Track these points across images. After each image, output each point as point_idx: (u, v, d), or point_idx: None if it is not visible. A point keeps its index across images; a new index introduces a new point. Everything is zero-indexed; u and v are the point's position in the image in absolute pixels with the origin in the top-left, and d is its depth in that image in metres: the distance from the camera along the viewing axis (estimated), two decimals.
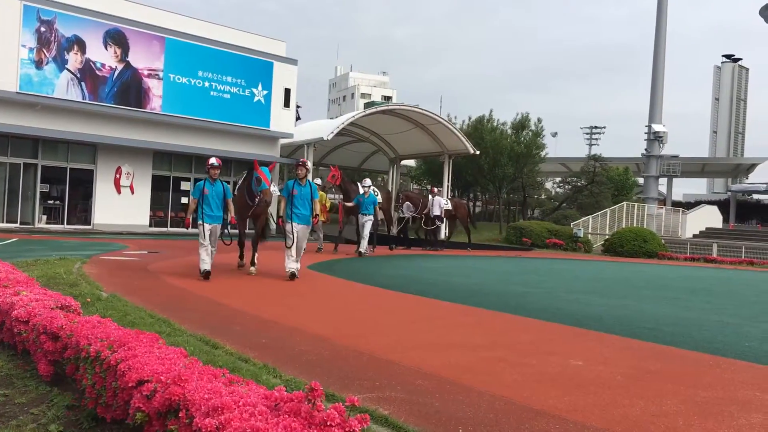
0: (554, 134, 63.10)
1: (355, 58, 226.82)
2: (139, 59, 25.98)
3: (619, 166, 47.66)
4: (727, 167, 60.54)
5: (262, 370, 5.07)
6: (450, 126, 31.51)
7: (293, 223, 12.09)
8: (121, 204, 26.32)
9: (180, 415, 3.22)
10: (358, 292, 11.25)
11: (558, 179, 53.53)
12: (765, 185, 49.05)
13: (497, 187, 41.36)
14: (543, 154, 41.41)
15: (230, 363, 5.09)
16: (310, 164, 12.26)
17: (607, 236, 31.38)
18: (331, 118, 45.81)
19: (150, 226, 27.14)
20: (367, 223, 19.48)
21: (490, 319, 8.80)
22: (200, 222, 11.41)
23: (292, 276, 11.89)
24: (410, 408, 4.41)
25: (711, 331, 8.53)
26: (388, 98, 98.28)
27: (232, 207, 11.69)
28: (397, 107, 30.76)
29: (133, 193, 26.65)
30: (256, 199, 12.40)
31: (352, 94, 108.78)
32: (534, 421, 4.29)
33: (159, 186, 27.64)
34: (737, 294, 14.29)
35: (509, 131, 40.10)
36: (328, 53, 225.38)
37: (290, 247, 12.00)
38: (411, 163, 45.68)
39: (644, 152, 47.68)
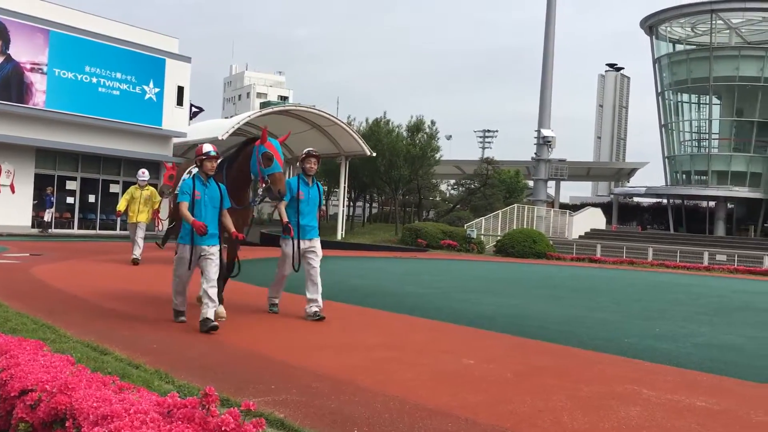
0: (449, 137, 64.57)
1: (252, 56, 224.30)
2: (21, 52, 24.74)
3: (511, 168, 49.12)
4: (611, 171, 63.51)
5: (154, 376, 4.95)
6: (347, 128, 31.63)
7: (300, 241, 8.41)
8: (0, 204, 24.97)
9: (67, 424, 3.11)
10: (251, 295, 11.13)
11: (452, 181, 54.64)
12: (644, 188, 51.77)
13: (393, 189, 41.82)
14: (438, 156, 42.16)
15: (120, 369, 4.94)
16: None
17: (498, 237, 32.30)
18: (227, 118, 45.06)
19: (32, 227, 25.87)
20: None
21: (386, 319, 8.92)
22: (184, 245, 7.43)
23: (318, 315, 8.28)
24: (306, 410, 4.42)
25: (594, 329, 8.95)
26: (284, 98, 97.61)
27: (230, 220, 7.61)
28: (294, 108, 30.63)
29: (13, 192, 25.32)
30: (259, 192, 8.07)
31: (248, 94, 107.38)
32: (428, 420, 4.39)
33: (43, 185, 26.39)
34: (619, 292, 15.03)
35: (405, 134, 40.62)
36: (223, 51, 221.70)
37: (283, 275, 8.71)
38: None
39: (534, 156, 49.39)
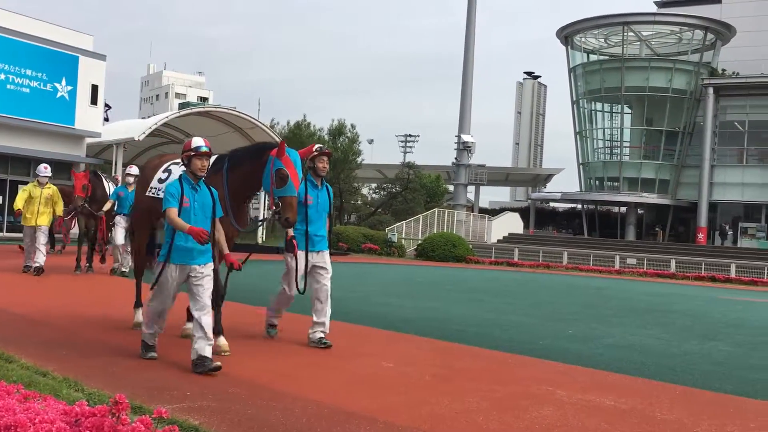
0: (370, 141, 64.82)
1: (170, 56, 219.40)
2: None
3: (432, 173, 49.71)
4: (528, 177, 65.10)
5: (62, 383, 4.77)
6: (268, 130, 31.37)
7: (309, 253, 7.11)
8: None
9: None
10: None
11: (374, 185, 54.88)
12: (560, 194, 53.22)
13: None
14: (359, 160, 42.34)
15: (26, 378, 4.75)
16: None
17: (419, 241, 32.60)
18: (144, 118, 44.00)
19: None
20: (120, 229, 13.55)
21: (306, 324, 8.86)
22: (168, 264, 5.86)
23: (324, 342, 7.13)
24: (222, 416, 4.35)
25: (510, 331, 9.14)
26: (204, 99, 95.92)
27: (224, 236, 6.24)
28: (214, 109, 30.19)
29: None
30: (263, 216, 7.49)
31: (166, 94, 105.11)
32: (346, 423, 4.39)
33: None
34: (534, 295, 15.41)
35: (326, 137, 40.61)
36: (140, 49, 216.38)
37: (290, 296, 7.34)
38: None
39: (454, 161, 50.10)
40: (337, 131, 41.16)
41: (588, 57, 47.59)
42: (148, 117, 42.79)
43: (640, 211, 48.57)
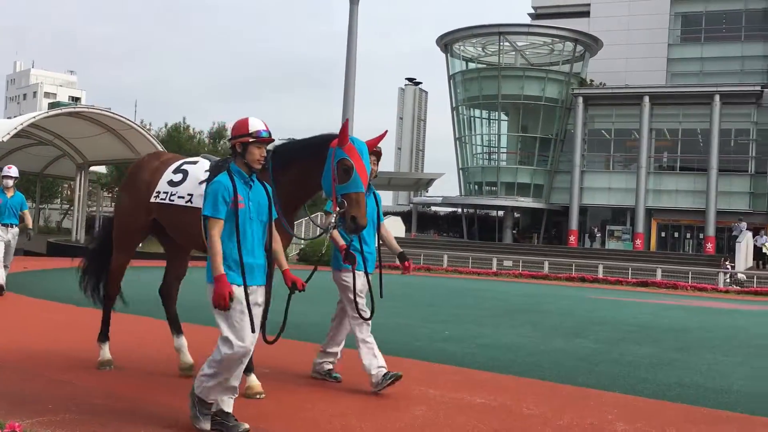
0: None
1: (39, 53, 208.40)
2: None
3: None
4: (410, 181, 66.18)
5: None
6: (144, 132, 30.35)
7: (366, 272, 6.00)
8: None
9: None
10: (32, 307, 10.36)
11: None
12: (441, 198, 54.45)
13: None
14: None
15: None
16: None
17: (302, 245, 32.45)
18: (9, 118, 41.60)
19: None
20: (10, 243, 11.47)
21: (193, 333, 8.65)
22: (235, 285, 4.33)
23: (334, 375, 6.16)
24: (84, 428, 4.21)
25: (388, 333, 9.26)
26: (76, 99, 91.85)
27: (281, 248, 4.90)
28: (86, 110, 28.95)
29: None
30: (331, 220, 5.35)
31: (35, 93, 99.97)
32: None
33: None
34: (413, 298, 15.67)
35: (207, 140, 39.82)
36: (5, 46, 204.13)
37: (365, 320, 5.93)
38: (102, 169, 43.23)
39: None
40: (218, 134, 40.42)
41: (467, 65, 48.95)
42: (14, 117, 40.48)
43: (516, 215, 50.38)
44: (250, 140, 4.46)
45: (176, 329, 6.28)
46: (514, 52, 47.42)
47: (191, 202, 5.50)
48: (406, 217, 54.08)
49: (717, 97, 39.87)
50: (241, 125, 4.52)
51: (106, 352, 6.16)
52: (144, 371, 6.18)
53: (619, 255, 37.07)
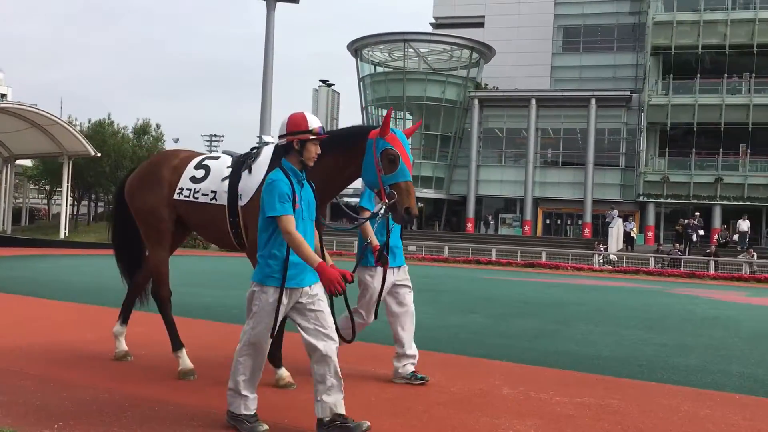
0: (176, 140, 62.13)
1: None
2: None
3: None
4: None
5: None
6: (69, 127, 29.13)
7: (391, 269, 5.31)
8: None
9: None
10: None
11: None
12: (352, 190, 54.57)
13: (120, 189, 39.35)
14: None
15: None
16: None
17: None
18: None
19: None
20: None
21: (103, 315, 8.38)
22: (285, 288, 3.82)
23: (418, 376, 5.37)
24: (8, 409, 4.02)
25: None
26: (2, 95, 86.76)
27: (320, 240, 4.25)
28: (11, 106, 27.50)
29: None
30: (380, 212, 4.55)
31: None
32: (135, 408, 4.23)
33: None
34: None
35: (131, 135, 38.46)
36: None
37: (366, 323, 5.53)
38: (28, 162, 41.23)
39: None
40: (142, 130, 39.11)
41: (375, 69, 49.05)
42: None
43: (420, 205, 50.97)
44: (310, 137, 3.94)
45: (123, 317, 5.82)
46: (417, 58, 47.85)
47: (216, 200, 5.06)
48: None
49: (593, 101, 41.43)
50: (300, 121, 3.98)
51: (185, 360, 5.24)
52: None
53: (509, 240, 38.12)
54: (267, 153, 4.96)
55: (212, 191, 5.10)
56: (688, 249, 29.83)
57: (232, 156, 5.30)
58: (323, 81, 62.01)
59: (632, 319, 10.50)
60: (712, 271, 26.16)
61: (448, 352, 6.79)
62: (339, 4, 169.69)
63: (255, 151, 5.11)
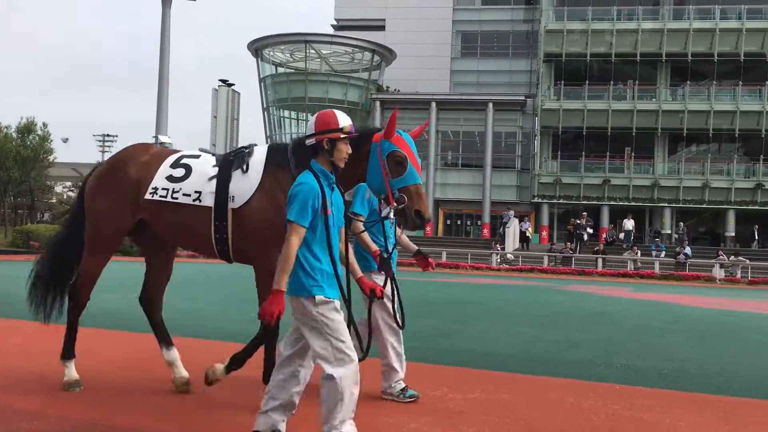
0: (65, 140, 59.12)
1: None
2: None
3: None
4: None
5: None
6: None
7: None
8: None
9: None
10: None
11: (69, 183, 50.39)
12: None
13: (2, 191, 37.14)
14: (52, 158, 38.59)
15: None
16: None
17: None
18: None
19: None
20: None
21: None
22: (329, 299, 3.59)
23: (412, 393, 5.03)
24: None
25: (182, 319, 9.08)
26: None
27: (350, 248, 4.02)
28: None
29: None
30: (390, 215, 4.33)
31: None
32: (23, 421, 4.06)
33: None
34: (216, 284, 15.42)
35: (15, 135, 36.38)
36: None
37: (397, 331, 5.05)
38: None
39: None
40: (27, 129, 37.06)
41: (276, 69, 48.61)
42: None
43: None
44: (342, 136, 3.70)
45: (165, 340, 5.10)
46: (319, 59, 47.80)
47: (200, 201, 4.61)
48: None
49: (491, 105, 42.76)
50: (330, 119, 3.72)
51: (72, 371, 4.94)
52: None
53: (411, 240, 38.40)
54: (261, 152, 4.68)
55: (196, 191, 4.65)
56: (579, 248, 31.31)
57: (213, 155, 4.93)
58: (223, 81, 60.97)
59: (526, 317, 10.95)
60: (600, 268, 27.60)
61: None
62: (239, 3, 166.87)
63: (246, 149, 4.74)
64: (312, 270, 3.56)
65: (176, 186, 4.71)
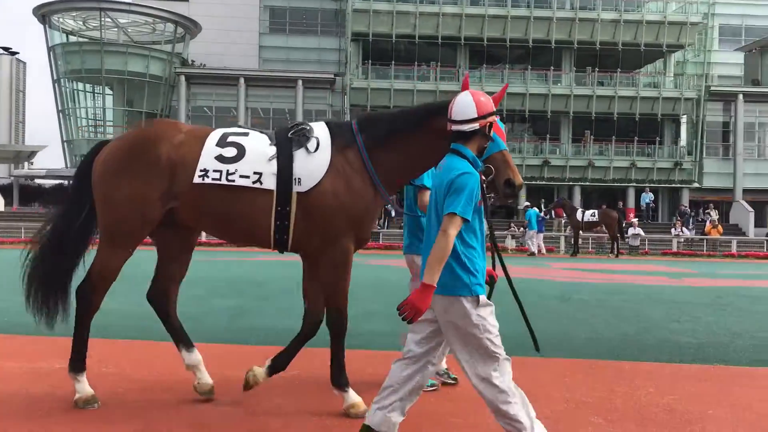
0: None
1: None
2: None
3: None
4: (10, 154, 58.82)
5: None
6: None
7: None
8: None
9: None
10: None
11: None
12: (45, 170, 49.66)
13: None
14: None
15: None
16: None
17: None
18: None
19: None
20: None
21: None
22: (490, 302, 3.34)
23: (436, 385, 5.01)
24: None
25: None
26: None
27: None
28: None
29: None
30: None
31: None
32: None
33: None
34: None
35: None
36: None
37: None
38: None
39: None
40: None
41: (67, 38, 44.93)
42: None
43: None
44: (493, 120, 3.42)
45: (184, 342, 4.54)
46: (116, 29, 44.87)
47: (260, 183, 4.05)
48: (6, 190, 48.14)
49: (300, 82, 42.84)
50: (489, 101, 3.38)
51: (85, 385, 4.26)
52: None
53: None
54: (323, 130, 4.23)
55: (255, 173, 4.07)
56: (387, 224, 32.53)
57: (263, 132, 4.34)
58: (5, 48, 55.47)
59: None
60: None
61: (133, 338, 6.62)
62: None
63: (306, 127, 4.24)
64: (473, 266, 3.26)
65: (230, 167, 4.10)
